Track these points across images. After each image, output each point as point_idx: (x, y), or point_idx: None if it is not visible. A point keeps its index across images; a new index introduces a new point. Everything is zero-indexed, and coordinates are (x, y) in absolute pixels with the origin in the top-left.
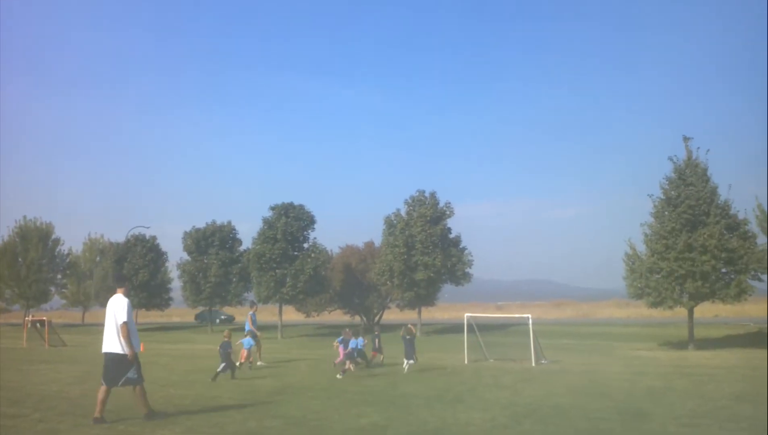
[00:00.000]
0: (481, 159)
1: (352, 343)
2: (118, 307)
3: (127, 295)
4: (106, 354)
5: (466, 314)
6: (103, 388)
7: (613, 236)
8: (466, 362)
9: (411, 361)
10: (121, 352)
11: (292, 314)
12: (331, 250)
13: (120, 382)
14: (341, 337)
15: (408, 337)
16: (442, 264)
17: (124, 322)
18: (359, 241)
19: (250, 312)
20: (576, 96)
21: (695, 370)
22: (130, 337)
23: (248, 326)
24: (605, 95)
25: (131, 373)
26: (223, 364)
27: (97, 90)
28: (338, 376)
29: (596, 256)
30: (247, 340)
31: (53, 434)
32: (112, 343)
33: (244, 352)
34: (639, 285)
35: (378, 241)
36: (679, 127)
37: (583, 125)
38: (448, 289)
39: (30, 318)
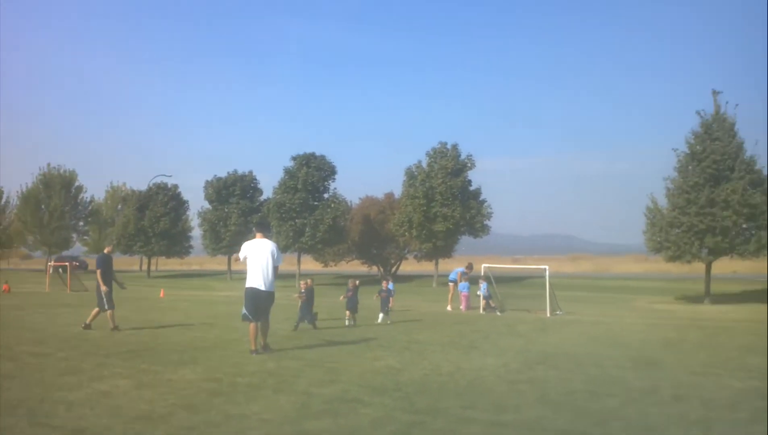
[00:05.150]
0: (505, 113)
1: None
2: (276, 249)
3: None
4: (263, 292)
5: (483, 265)
6: (252, 324)
7: (635, 192)
8: (481, 311)
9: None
10: (273, 290)
11: (310, 264)
12: (351, 201)
13: (262, 318)
14: (348, 288)
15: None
16: (461, 216)
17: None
18: (379, 193)
19: None
20: (602, 51)
21: (709, 323)
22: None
23: None
24: (632, 50)
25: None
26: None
27: (121, 42)
28: (346, 322)
29: (616, 212)
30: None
31: (77, 372)
32: (268, 282)
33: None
34: (659, 239)
35: (398, 192)
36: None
37: (609, 79)
38: (465, 241)
39: (52, 263)
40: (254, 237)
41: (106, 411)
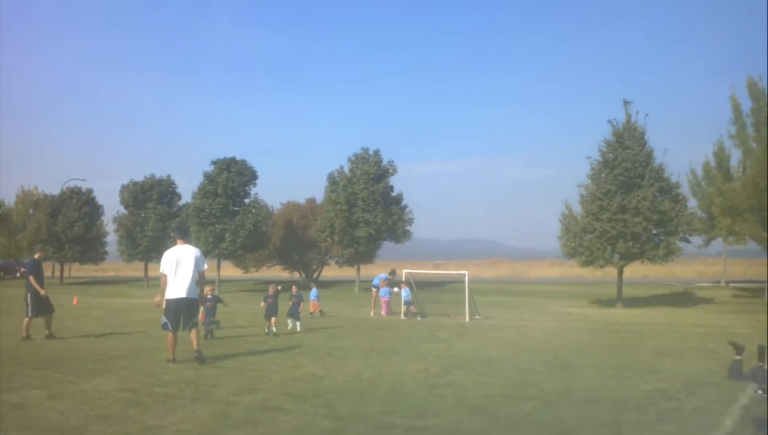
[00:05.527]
0: (425, 118)
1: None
2: (198, 255)
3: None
4: (184, 299)
5: (405, 270)
6: (171, 334)
7: (551, 198)
8: (402, 317)
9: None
10: (196, 297)
11: (230, 270)
12: (273, 207)
13: (188, 326)
14: (268, 294)
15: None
16: (383, 221)
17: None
18: (301, 198)
19: None
20: (521, 60)
21: (621, 326)
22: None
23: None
24: (549, 59)
25: (195, 319)
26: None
27: (31, 34)
28: (266, 330)
29: (535, 217)
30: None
31: None
32: (190, 289)
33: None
34: (573, 244)
35: (320, 198)
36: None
37: (527, 88)
38: (387, 246)
39: None
40: (174, 244)
41: (17, 423)
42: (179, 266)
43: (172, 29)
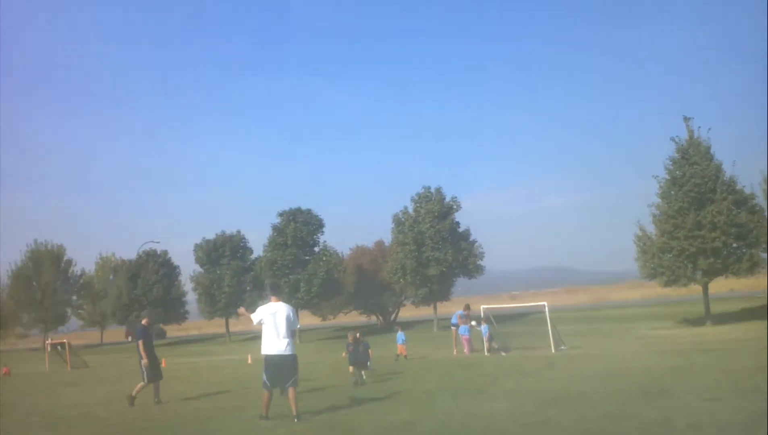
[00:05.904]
0: (484, 151)
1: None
2: (292, 313)
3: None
4: (286, 356)
5: (482, 306)
6: (266, 392)
7: (620, 219)
8: (486, 353)
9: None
10: (294, 353)
11: (308, 318)
12: (342, 253)
13: (288, 384)
14: (348, 343)
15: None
16: (453, 258)
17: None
18: (369, 242)
19: None
20: (577, 86)
21: (714, 345)
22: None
23: None
24: (606, 84)
25: (296, 376)
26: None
27: (96, 103)
28: (352, 379)
29: (605, 240)
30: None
31: None
32: (287, 345)
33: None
34: (651, 265)
35: (387, 240)
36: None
37: (585, 112)
38: (461, 282)
39: (50, 341)
40: (269, 301)
41: None
42: (276, 322)
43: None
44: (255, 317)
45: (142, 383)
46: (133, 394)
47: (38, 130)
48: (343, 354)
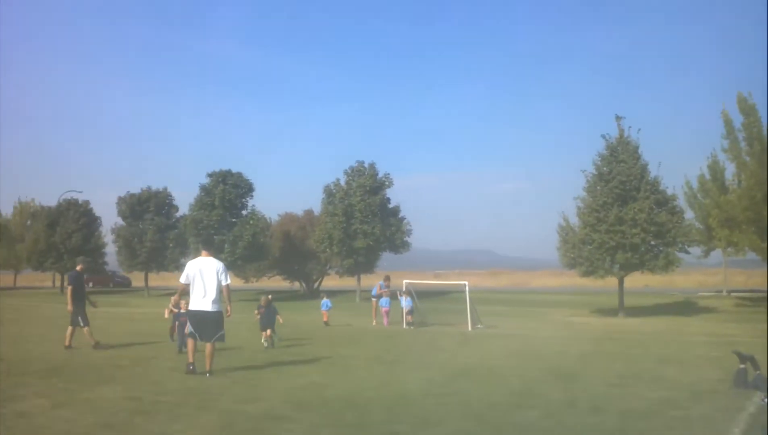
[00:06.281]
0: (422, 133)
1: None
2: (222, 269)
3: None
4: (210, 313)
5: (405, 281)
6: (191, 340)
7: (548, 209)
8: (404, 326)
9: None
10: (221, 310)
11: (231, 280)
12: (270, 218)
13: (214, 338)
14: (260, 304)
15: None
16: (381, 232)
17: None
18: (299, 210)
19: None
20: (514, 74)
21: (624, 335)
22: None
23: None
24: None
25: (221, 332)
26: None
27: (29, 42)
28: (264, 342)
29: (532, 228)
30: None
31: None
32: (214, 302)
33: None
34: (572, 255)
35: (317, 209)
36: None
37: (522, 105)
38: (387, 257)
39: None
40: (198, 255)
41: (23, 432)
42: (203, 278)
43: (174, 47)
44: (182, 277)
45: (86, 328)
46: (66, 342)
47: None
48: (255, 312)
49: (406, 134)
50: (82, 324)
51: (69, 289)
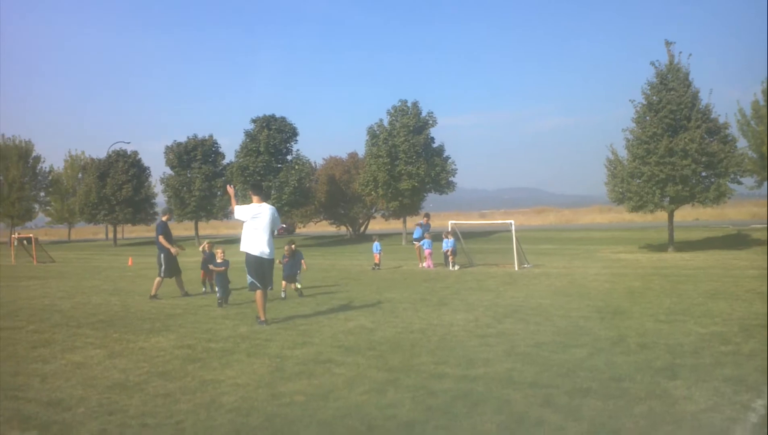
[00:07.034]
0: (464, 71)
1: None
2: (275, 214)
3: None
4: (268, 259)
5: (450, 221)
6: (260, 292)
7: (594, 145)
8: (451, 268)
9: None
10: (273, 257)
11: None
12: (315, 162)
13: (270, 285)
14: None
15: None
16: (426, 173)
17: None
18: (343, 153)
19: None
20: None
21: (674, 270)
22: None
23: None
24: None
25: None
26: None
27: (74, 5)
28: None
29: (580, 164)
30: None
31: (49, 344)
32: (270, 248)
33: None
34: (620, 190)
35: (361, 152)
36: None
37: (564, 36)
38: (432, 198)
39: (16, 235)
40: (250, 201)
41: (80, 382)
42: (259, 224)
43: None
44: (238, 213)
45: (158, 279)
46: (153, 292)
47: (13, 22)
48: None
49: (445, 75)
50: (162, 275)
51: (160, 238)
